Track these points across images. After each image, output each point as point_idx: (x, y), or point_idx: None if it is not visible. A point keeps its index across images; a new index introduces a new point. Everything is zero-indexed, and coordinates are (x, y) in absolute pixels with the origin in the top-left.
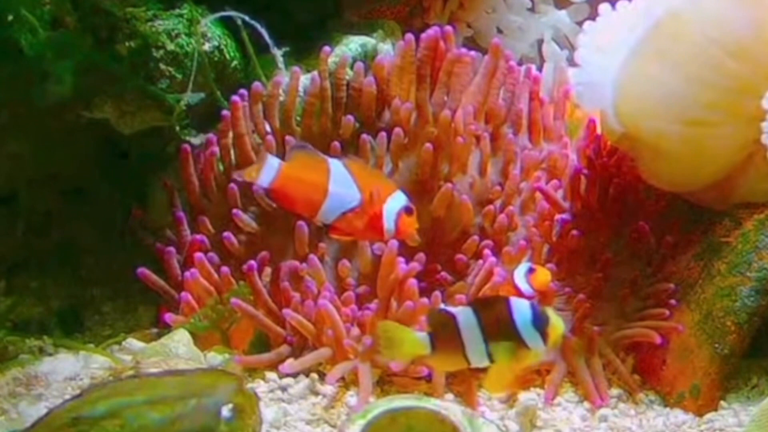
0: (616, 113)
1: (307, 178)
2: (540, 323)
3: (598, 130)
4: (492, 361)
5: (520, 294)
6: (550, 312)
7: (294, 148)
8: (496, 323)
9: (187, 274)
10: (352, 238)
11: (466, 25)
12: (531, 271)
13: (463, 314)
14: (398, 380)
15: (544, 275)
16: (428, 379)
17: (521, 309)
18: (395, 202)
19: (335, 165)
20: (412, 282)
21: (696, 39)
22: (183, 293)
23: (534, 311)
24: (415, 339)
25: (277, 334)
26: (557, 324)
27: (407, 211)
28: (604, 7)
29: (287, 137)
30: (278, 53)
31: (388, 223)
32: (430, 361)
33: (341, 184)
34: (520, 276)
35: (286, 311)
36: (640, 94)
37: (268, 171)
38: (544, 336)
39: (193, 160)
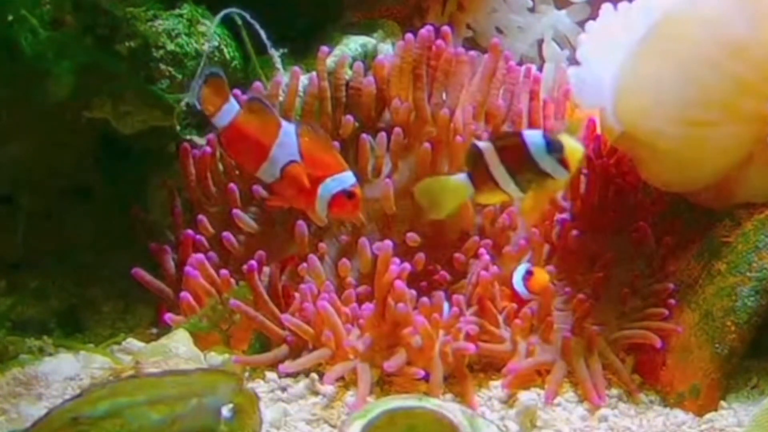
0: (616, 112)
1: (255, 134)
2: (554, 150)
3: (598, 130)
4: (523, 191)
5: (518, 298)
6: (565, 138)
7: (251, 99)
8: (514, 157)
9: (189, 271)
10: (289, 205)
11: (465, 26)
12: (529, 273)
13: (488, 151)
14: (398, 380)
15: (542, 277)
16: (427, 379)
17: (534, 140)
18: (336, 182)
19: (286, 129)
20: (399, 284)
21: (695, 39)
22: (183, 293)
23: (546, 140)
24: (456, 183)
25: (277, 334)
26: (574, 148)
27: (347, 194)
28: (605, 7)
29: None
30: (275, 54)
31: (321, 202)
32: (477, 199)
33: (285, 148)
34: (517, 278)
35: (285, 316)
36: (639, 94)
37: (226, 113)
38: (562, 162)
39: (194, 160)
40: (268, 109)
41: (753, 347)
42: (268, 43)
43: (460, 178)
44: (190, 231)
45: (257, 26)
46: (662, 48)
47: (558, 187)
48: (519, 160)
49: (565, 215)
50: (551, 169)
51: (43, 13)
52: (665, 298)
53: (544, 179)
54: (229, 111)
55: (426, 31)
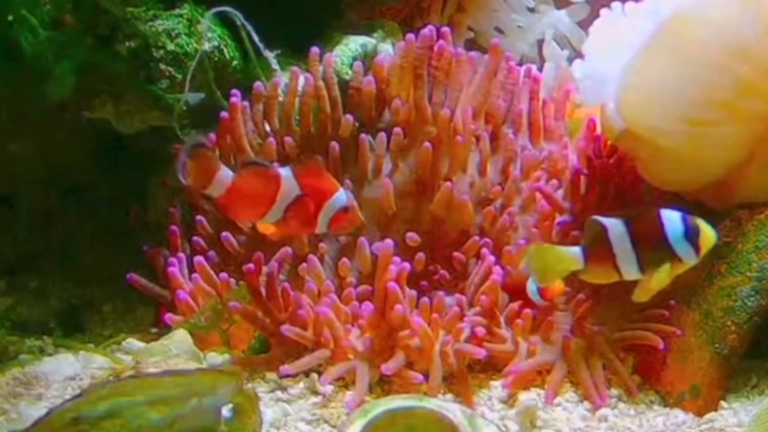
0: (619, 109)
1: (258, 191)
2: (691, 235)
3: (598, 131)
4: (642, 272)
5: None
6: (701, 222)
7: (246, 164)
8: (648, 236)
9: (172, 272)
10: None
11: (466, 27)
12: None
13: (615, 227)
14: (398, 380)
15: (556, 285)
16: (427, 379)
17: (673, 221)
18: (333, 203)
19: (285, 175)
20: (393, 285)
21: (700, 40)
22: (178, 291)
23: (685, 223)
24: (568, 254)
25: (277, 335)
26: (709, 234)
27: (344, 210)
28: (614, 5)
29: (286, 137)
30: (270, 55)
31: (323, 223)
32: (583, 275)
33: (288, 192)
34: (531, 285)
35: (284, 327)
36: (643, 91)
37: (220, 183)
38: (695, 247)
39: None
40: (263, 165)
41: (753, 347)
42: (261, 45)
43: (574, 251)
44: (175, 227)
45: (250, 28)
46: (668, 47)
47: (681, 271)
48: (652, 240)
49: (565, 216)
50: (684, 253)
51: (43, 13)
52: (665, 299)
53: (673, 262)
54: (224, 179)
55: (428, 30)
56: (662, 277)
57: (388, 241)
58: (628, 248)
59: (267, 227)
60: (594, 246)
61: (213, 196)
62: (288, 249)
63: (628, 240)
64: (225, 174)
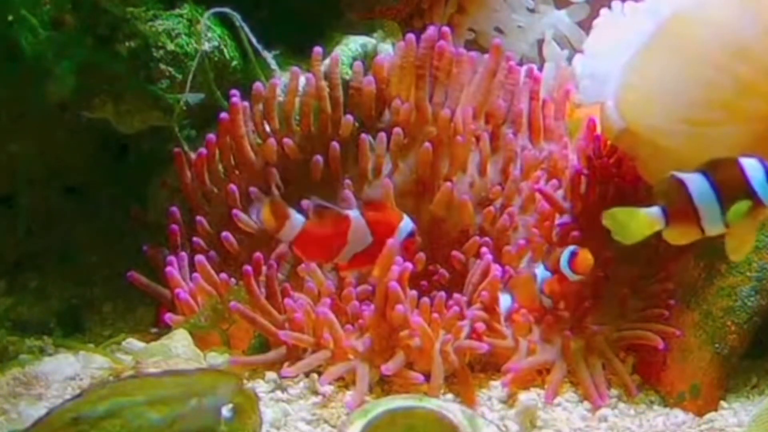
0: (618, 108)
1: (330, 235)
2: None
3: (598, 130)
4: (727, 226)
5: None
6: None
7: (316, 207)
8: (731, 185)
9: (170, 272)
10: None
11: (466, 27)
12: (574, 254)
13: (695, 181)
14: (398, 380)
15: (586, 258)
16: (427, 379)
17: (754, 167)
18: (401, 233)
19: (354, 216)
20: (394, 285)
21: (701, 40)
22: (179, 291)
23: (765, 167)
24: (647, 215)
25: (276, 336)
26: None
27: (411, 236)
28: (614, 5)
29: (285, 138)
30: (268, 55)
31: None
32: (666, 234)
33: (358, 234)
34: (563, 260)
35: (283, 332)
36: (642, 91)
37: (291, 228)
38: None
39: (193, 161)
40: (332, 208)
41: (753, 347)
42: (259, 45)
43: (653, 211)
44: (175, 227)
45: (247, 30)
46: (668, 47)
47: (761, 219)
48: (735, 188)
49: (565, 216)
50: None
51: (43, 13)
52: (665, 299)
53: (758, 209)
54: (295, 225)
55: (432, 30)
56: (750, 225)
57: (390, 241)
58: (713, 201)
59: (343, 263)
60: (674, 203)
61: (284, 241)
62: (284, 247)
63: (711, 191)
64: (296, 219)
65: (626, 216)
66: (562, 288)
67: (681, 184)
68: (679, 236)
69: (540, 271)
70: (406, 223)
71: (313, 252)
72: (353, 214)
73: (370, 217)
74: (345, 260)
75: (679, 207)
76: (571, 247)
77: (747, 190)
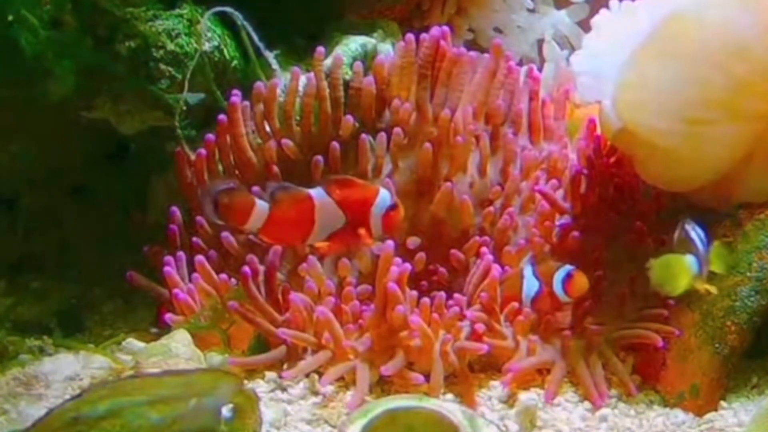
0: (616, 107)
1: (295, 218)
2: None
3: (598, 131)
4: None
5: (556, 301)
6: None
7: (275, 190)
8: None
9: (168, 271)
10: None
11: (466, 27)
12: (569, 276)
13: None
14: (398, 380)
15: (581, 281)
16: (427, 379)
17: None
18: (379, 208)
19: (318, 194)
20: (393, 286)
21: (699, 39)
22: (176, 291)
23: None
24: (692, 263)
25: (276, 336)
26: None
27: (392, 209)
28: (612, 4)
29: (284, 139)
30: (270, 55)
31: (376, 230)
32: (699, 283)
33: (326, 214)
34: (557, 281)
35: (281, 330)
36: (640, 90)
37: (258, 217)
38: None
39: (192, 162)
40: (293, 189)
41: (753, 347)
42: (260, 45)
43: (691, 259)
44: (174, 227)
45: (249, 28)
46: (666, 46)
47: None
48: None
49: (565, 216)
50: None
51: (43, 13)
52: (665, 298)
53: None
54: (261, 213)
55: (435, 30)
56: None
57: (389, 242)
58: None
59: (322, 245)
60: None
61: (253, 231)
62: (278, 248)
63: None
64: (261, 207)
65: (673, 265)
66: (553, 308)
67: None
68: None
69: (528, 273)
70: (383, 197)
71: (280, 236)
72: (316, 193)
73: (338, 196)
74: (316, 240)
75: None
76: (567, 268)
77: None
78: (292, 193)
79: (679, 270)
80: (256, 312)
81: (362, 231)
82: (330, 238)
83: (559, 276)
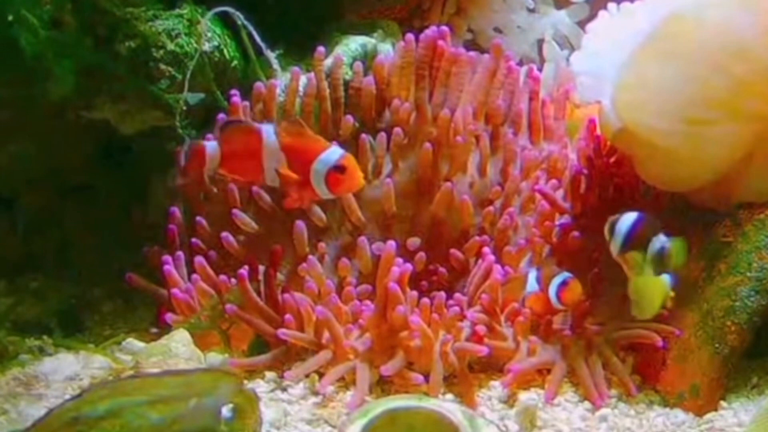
0: (615, 107)
1: (243, 151)
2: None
3: (598, 131)
4: None
5: (548, 306)
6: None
7: (225, 124)
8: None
9: (168, 270)
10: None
11: (465, 27)
12: (564, 284)
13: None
14: (398, 380)
15: (576, 289)
16: (427, 379)
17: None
18: (322, 164)
19: (267, 132)
20: (394, 286)
21: (699, 39)
22: (173, 290)
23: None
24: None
25: (275, 337)
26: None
27: (338, 170)
28: (611, 5)
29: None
30: (272, 55)
31: (320, 188)
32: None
33: (271, 152)
34: (552, 289)
35: (281, 331)
36: (639, 90)
37: (211, 152)
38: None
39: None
40: (244, 123)
41: (753, 347)
42: (263, 45)
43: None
44: (173, 227)
45: (251, 28)
46: (665, 46)
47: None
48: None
49: (565, 216)
50: None
51: (43, 13)
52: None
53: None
54: (213, 152)
55: (431, 31)
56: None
57: (391, 243)
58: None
59: (290, 201)
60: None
61: (217, 173)
62: (278, 247)
63: None
64: (211, 147)
65: (650, 287)
66: (544, 311)
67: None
68: None
69: (531, 277)
70: (330, 153)
71: (236, 168)
72: (266, 129)
73: (283, 139)
74: (269, 181)
75: None
76: (564, 275)
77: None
78: (242, 127)
79: (658, 292)
80: (254, 313)
81: (294, 184)
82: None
83: (555, 282)
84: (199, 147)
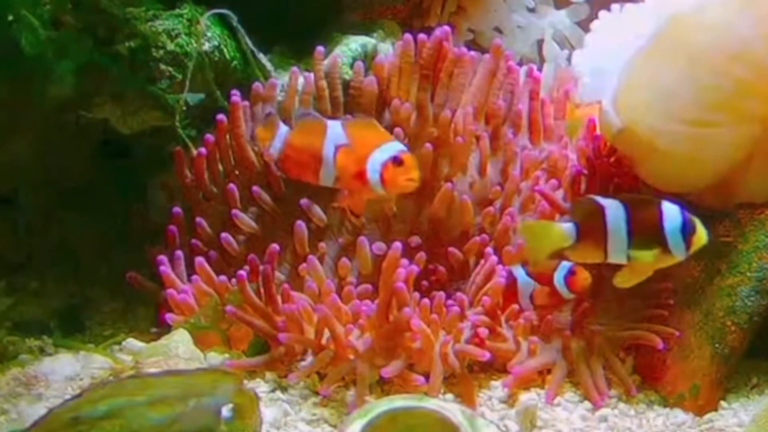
0: (616, 108)
1: (306, 144)
2: (687, 230)
3: (598, 131)
4: (629, 259)
5: (558, 298)
6: (697, 221)
7: (299, 116)
8: (645, 223)
9: (163, 270)
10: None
11: (466, 27)
12: (571, 273)
13: (613, 209)
14: (398, 380)
15: (583, 277)
16: (427, 379)
17: (672, 214)
18: (380, 153)
19: (333, 127)
20: (402, 286)
21: (700, 42)
22: (171, 291)
23: (684, 218)
24: (559, 230)
25: (275, 337)
26: (702, 234)
27: (395, 161)
28: (614, 7)
29: None
30: (263, 58)
31: (373, 178)
32: (571, 252)
33: (335, 144)
34: (559, 278)
35: (282, 335)
36: (641, 91)
37: (278, 141)
38: (687, 243)
39: (192, 161)
40: (315, 117)
41: (753, 347)
42: (255, 49)
43: (566, 227)
44: (172, 227)
45: (243, 32)
46: (667, 49)
47: (666, 264)
48: (648, 227)
49: (565, 216)
50: (676, 247)
51: (43, 13)
52: (665, 298)
53: (662, 254)
54: (282, 134)
55: (440, 31)
56: (647, 263)
57: (397, 244)
58: (623, 230)
59: (342, 198)
60: (587, 224)
61: (274, 157)
62: (275, 246)
63: (624, 222)
64: (283, 129)
65: (541, 229)
66: (553, 302)
67: (600, 208)
68: (582, 255)
69: (520, 274)
70: (387, 147)
71: (296, 168)
72: (333, 123)
73: (351, 129)
74: (327, 182)
75: (592, 229)
76: (567, 264)
77: (658, 234)
78: (311, 119)
79: (546, 233)
80: (254, 314)
81: (352, 176)
82: (337, 178)
83: (560, 273)
84: (273, 123)
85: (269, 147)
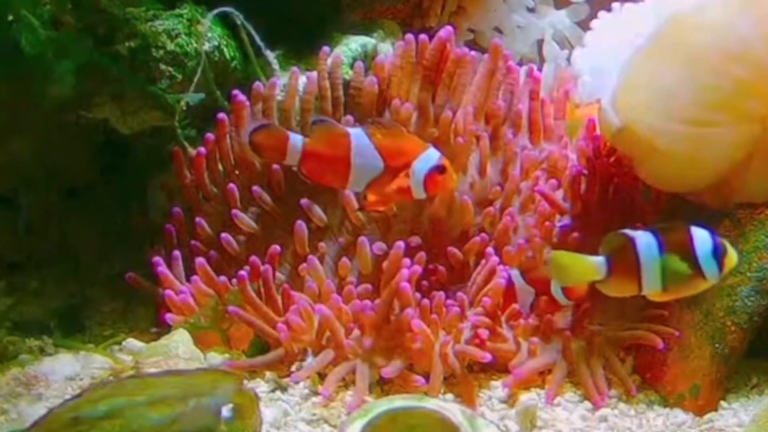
0: (616, 108)
1: (330, 154)
2: (719, 254)
3: (598, 131)
4: (664, 288)
5: (555, 305)
6: (725, 241)
7: (314, 123)
8: (677, 250)
9: (161, 271)
10: (385, 208)
11: (466, 27)
12: None
13: (644, 239)
14: (398, 380)
15: (581, 285)
16: (427, 379)
17: (702, 238)
18: (422, 163)
19: (357, 136)
20: (406, 286)
21: (700, 42)
22: (166, 291)
23: (714, 241)
24: (590, 264)
25: (275, 337)
26: (733, 255)
27: (438, 170)
28: (614, 6)
29: None
30: (271, 55)
31: (417, 188)
32: (603, 286)
33: (363, 155)
34: (556, 286)
35: (282, 335)
36: (641, 92)
37: (293, 151)
38: (720, 265)
39: (191, 161)
40: (332, 124)
41: (753, 347)
42: (262, 45)
43: (598, 261)
44: (170, 227)
45: (250, 28)
46: (667, 48)
47: (701, 289)
48: (681, 253)
49: (565, 216)
50: (709, 270)
51: (43, 13)
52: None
53: (696, 278)
54: (295, 147)
55: (444, 32)
56: (684, 291)
57: (399, 244)
58: (656, 261)
59: (372, 203)
60: (619, 257)
61: (293, 166)
62: (276, 247)
63: (656, 252)
64: (294, 140)
65: (570, 260)
66: (552, 311)
67: (631, 241)
68: (615, 289)
69: (520, 282)
70: (430, 154)
71: (319, 173)
72: (355, 132)
73: (378, 141)
74: (356, 187)
75: (624, 261)
76: None
77: (691, 260)
78: (329, 127)
79: (575, 265)
80: (254, 314)
81: (402, 180)
82: (368, 188)
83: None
84: (279, 136)
85: (285, 162)
